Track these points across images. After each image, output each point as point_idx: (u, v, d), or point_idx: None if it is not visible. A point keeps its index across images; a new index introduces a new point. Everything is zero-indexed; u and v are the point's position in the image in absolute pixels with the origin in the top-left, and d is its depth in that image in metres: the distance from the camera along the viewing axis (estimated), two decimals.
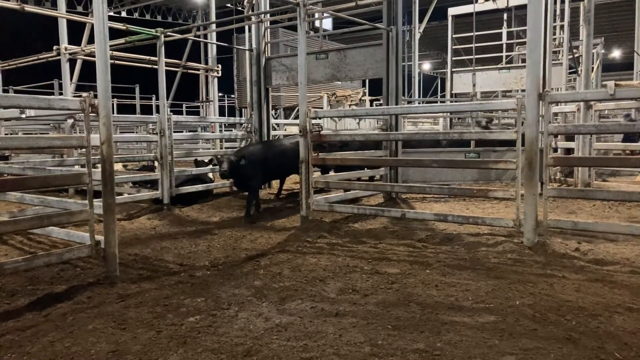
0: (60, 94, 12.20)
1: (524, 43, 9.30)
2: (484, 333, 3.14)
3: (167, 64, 9.75)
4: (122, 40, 8.91)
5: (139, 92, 18.05)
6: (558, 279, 4.20)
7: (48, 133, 11.43)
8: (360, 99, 14.74)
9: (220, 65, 13.09)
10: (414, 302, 3.72)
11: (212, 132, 13.05)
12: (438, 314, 3.47)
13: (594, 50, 11.55)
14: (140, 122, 12.63)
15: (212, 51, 13.17)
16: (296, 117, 13.36)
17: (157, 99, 8.62)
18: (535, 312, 3.45)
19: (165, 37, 8.30)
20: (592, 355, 2.82)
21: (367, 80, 16.03)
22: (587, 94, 6.65)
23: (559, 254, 4.90)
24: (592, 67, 10.79)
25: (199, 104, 16.26)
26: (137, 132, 13.74)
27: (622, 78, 14.51)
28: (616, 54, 25.31)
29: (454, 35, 13.56)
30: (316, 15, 10.85)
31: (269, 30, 9.85)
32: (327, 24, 17.83)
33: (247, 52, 10.20)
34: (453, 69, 13.21)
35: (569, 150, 9.37)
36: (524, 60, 11.92)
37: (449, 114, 12.93)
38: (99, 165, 4.48)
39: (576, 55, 10.75)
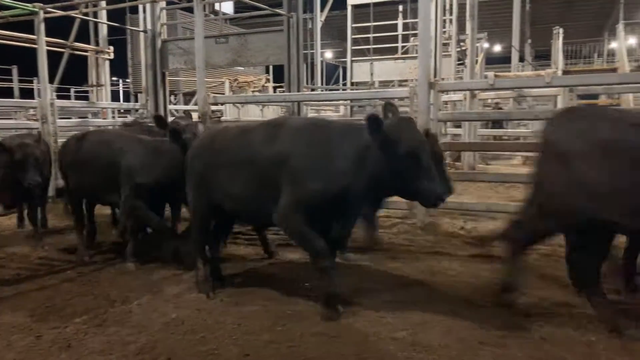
0: None
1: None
2: (380, 312, 3.27)
3: (50, 44, 8.84)
4: None
5: (17, 74, 16.22)
6: (446, 256, 4.52)
7: None
8: (263, 86, 14.56)
9: (112, 47, 12.17)
10: (314, 286, 3.77)
11: (104, 119, 12.16)
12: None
13: (478, 44, 12.47)
14: (19, 107, 11.41)
15: (103, 31, 12.19)
16: (196, 103, 12.90)
17: (39, 82, 7.83)
18: (425, 290, 3.67)
19: (45, 13, 7.54)
20: (475, 326, 3.06)
21: (270, 67, 15.85)
22: (471, 84, 7.20)
23: (447, 232, 5.26)
24: (477, 60, 11.66)
25: (88, 89, 15.01)
26: (15, 119, 12.39)
27: (503, 70, 15.87)
28: (498, 48, 27.55)
29: (353, 25, 13.86)
30: None
31: (165, 11, 9.34)
32: (229, 7, 17.33)
33: (141, 34, 9.59)
34: (353, 58, 13.53)
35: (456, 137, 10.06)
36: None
37: (349, 101, 13.26)
38: None
39: (463, 48, 11.52)
